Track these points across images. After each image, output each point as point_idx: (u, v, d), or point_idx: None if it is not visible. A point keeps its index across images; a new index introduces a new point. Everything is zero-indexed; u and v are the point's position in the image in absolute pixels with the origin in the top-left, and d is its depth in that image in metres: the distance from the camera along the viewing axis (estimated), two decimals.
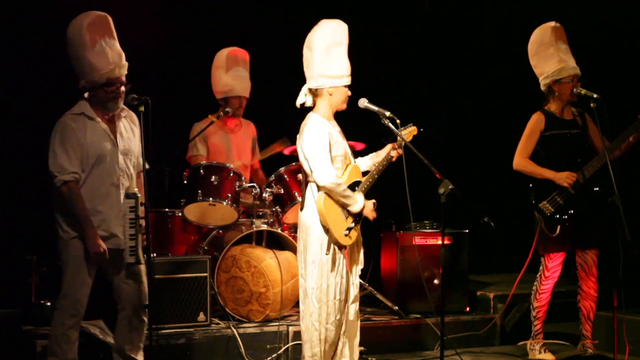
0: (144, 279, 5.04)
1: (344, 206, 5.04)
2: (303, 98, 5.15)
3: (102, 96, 4.93)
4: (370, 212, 5.12)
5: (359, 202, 5.06)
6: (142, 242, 4.97)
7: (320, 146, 4.99)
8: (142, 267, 5.03)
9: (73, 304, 4.92)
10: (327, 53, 5.04)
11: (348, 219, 5.07)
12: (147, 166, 5.16)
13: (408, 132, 5.28)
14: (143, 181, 5.10)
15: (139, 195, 4.93)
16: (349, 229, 5.05)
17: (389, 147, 5.20)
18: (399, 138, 5.17)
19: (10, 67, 6.72)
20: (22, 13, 6.80)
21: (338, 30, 5.10)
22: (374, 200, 5.17)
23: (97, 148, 4.92)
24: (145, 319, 5.02)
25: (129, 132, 5.06)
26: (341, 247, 5.06)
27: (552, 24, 5.93)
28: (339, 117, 5.25)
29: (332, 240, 5.02)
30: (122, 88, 4.94)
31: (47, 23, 6.53)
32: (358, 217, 5.11)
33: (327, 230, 5.01)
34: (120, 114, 5.02)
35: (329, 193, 4.98)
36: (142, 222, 4.99)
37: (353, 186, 5.13)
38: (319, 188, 5.01)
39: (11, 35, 6.75)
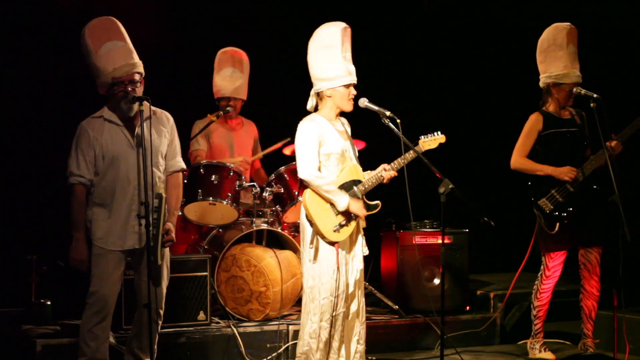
0: (163, 281, 5.04)
1: (329, 202, 5.07)
2: (312, 102, 5.24)
3: (113, 97, 4.94)
4: (359, 210, 5.11)
5: (342, 199, 5.06)
6: (162, 243, 4.95)
7: (305, 143, 5.06)
8: (163, 269, 5.03)
9: (98, 301, 4.92)
10: (321, 57, 5.11)
11: (339, 215, 5.09)
12: (183, 166, 5.19)
13: (433, 140, 5.30)
14: (177, 181, 5.14)
15: (164, 195, 4.91)
16: (340, 225, 5.06)
17: (380, 167, 5.22)
18: (420, 143, 5.25)
19: (14, 69, 6.74)
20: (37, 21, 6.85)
21: (331, 32, 5.13)
22: (376, 202, 5.19)
23: (112, 149, 4.93)
24: (159, 321, 5.02)
25: (153, 132, 5.00)
26: (332, 244, 5.08)
27: (568, 25, 5.88)
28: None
29: (320, 235, 5.06)
30: (131, 87, 4.90)
31: (57, 34, 6.58)
32: (350, 215, 5.12)
33: (312, 224, 5.06)
34: (137, 113, 4.97)
35: (310, 187, 5.05)
36: (169, 225, 4.98)
37: (351, 185, 5.16)
38: (305, 183, 5.09)
39: (30, 42, 6.78)
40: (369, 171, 5.27)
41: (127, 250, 4.99)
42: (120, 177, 4.94)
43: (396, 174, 5.19)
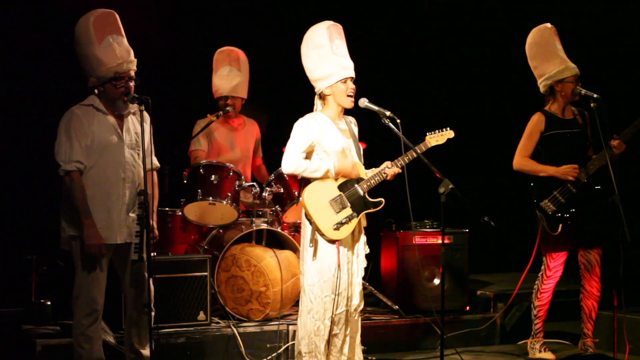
0: (147, 273, 5.01)
1: (327, 176, 5.07)
2: (317, 105, 5.25)
3: (111, 91, 4.94)
4: (351, 168, 5.11)
5: (328, 164, 5.06)
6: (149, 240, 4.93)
7: (294, 138, 5.09)
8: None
9: (87, 302, 4.91)
10: (313, 57, 5.14)
11: (340, 213, 5.08)
12: (158, 164, 5.19)
13: (441, 136, 5.26)
14: (153, 179, 5.14)
15: (149, 192, 4.91)
16: (340, 223, 5.06)
17: (384, 164, 5.20)
18: (426, 139, 5.23)
19: (13, 67, 6.73)
20: (28, 15, 6.83)
21: (318, 32, 5.16)
22: (379, 199, 5.18)
23: (102, 139, 4.93)
24: (151, 313, 4.98)
25: (137, 126, 5.03)
26: (332, 242, 5.08)
27: (549, 25, 5.94)
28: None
29: (319, 233, 5.06)
30: (131, 83, 4.94)
31: (54, 23, 6.57)
32: (354, 212, 5.11)
33: (311, 223, 5.07)
34: (129, 109, 5.02)
35: (297, 175, 5.12)
36: (153, 222, 4.99)
37: (353, 182, 5.16)
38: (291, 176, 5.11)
39: (18, 36, 6.77)
40: (373, 169, 5.26)
41: (114, 245, 4.96)
42: (110, 169, 4.94)
43: (400, 171, 5.18)
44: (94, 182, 4.92)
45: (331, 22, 5.19)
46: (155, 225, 5.06)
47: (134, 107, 5.02)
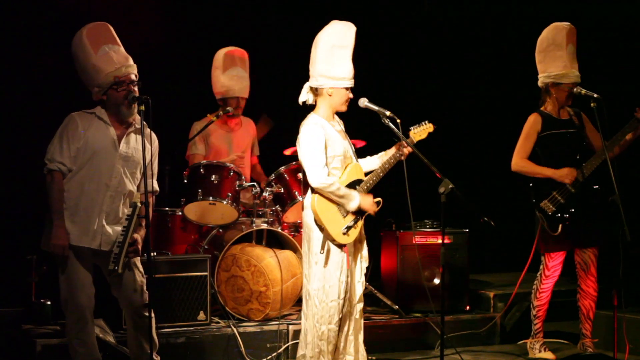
0: (137, 279, 4.98)
1: (341, 205, 5.06)
2: (305, 96, 5.18)
3: (113, 97, 4.93)
4: (370, 205, 5.10)
5: (354, 199, 5.05)
6: (127, 252, 4.88)
7: (313, 148, 5.01)
8: (136, 268, 5.00)
9: (75, 308, 4.90)
10: (330, 54, 5.06)
11: (347, 217, 5.07)
12: (157, 189, 5.17)
13: (422, 130, 5.29)
14: (150, 202, 5.09)
15: (139, 206, 4.87)
16: (348, 227, 5.05)
17: (396, 146, 5.20)
18: (410, 134, 5.23)
19: (14, 69, 6.74)
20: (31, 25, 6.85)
21: (345, 32, 5.11)
22: (377, 199, 5.17)
23: (95, 144, 4.92)
24: (148, 315, 4.95)
25: (139, 144, 4.98)
26: (341, 246, 5.07)
27: (568, 25, 5.87)
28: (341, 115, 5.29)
29: (330, 239, 5.04)
30: (134, 87, 4.93)
31: (58, 32, 6.59)
32: (359, 215, 5.12)
33: (322, 229, 5.03)
34: (135, 125, 5.01)
35: (323, 193, 5.02)
36: (137, 236, 4.94)
37: (354, 185, 5.14)
38: (312, 189, 5.05)
39: (20, 43, 6.79)
40: (368, 157, 5.27)
41: (89, 249, 4.93)
42: (97, 174, 4.92)
43: (411, 150, 5.18)
44: (79, 185, 4.91)
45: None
46: (140, 240, 4.98)
47: (138, 122, 4.97)
